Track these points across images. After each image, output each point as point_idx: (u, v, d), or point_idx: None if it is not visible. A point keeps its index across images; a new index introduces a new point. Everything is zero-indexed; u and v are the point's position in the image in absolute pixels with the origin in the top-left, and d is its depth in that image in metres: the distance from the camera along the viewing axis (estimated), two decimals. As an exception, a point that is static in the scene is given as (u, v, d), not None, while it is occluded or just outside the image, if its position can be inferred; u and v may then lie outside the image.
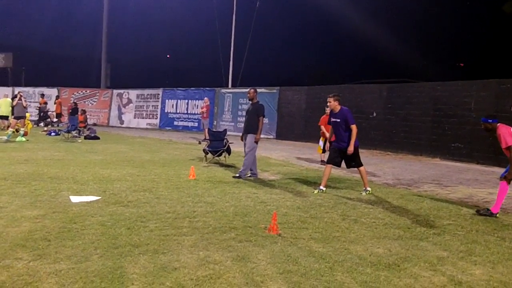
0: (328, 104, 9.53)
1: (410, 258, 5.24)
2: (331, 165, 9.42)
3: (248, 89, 11.30)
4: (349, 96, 20.96)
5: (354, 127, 9.13)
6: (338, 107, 9.36)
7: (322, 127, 13.92)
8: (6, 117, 20.69)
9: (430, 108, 17.73)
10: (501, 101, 15.10)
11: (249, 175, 10.86)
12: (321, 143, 14.20)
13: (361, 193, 9.25)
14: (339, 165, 9.58)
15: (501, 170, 13.72)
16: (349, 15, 35.38)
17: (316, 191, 9.13)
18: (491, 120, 7.89)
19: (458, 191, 10.18)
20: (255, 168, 11.04)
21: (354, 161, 9.39)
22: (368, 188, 9.39)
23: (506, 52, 30.57)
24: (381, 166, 14.15)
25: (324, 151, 13.88)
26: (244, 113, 26.10)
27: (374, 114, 19.70)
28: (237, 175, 10.71)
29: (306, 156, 16.27)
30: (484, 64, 31.04)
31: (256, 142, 10.77)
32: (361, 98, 20.59)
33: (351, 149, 9.06)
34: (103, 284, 4.16)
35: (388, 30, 34.09)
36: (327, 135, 12.32)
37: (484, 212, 7.76)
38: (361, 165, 9.42)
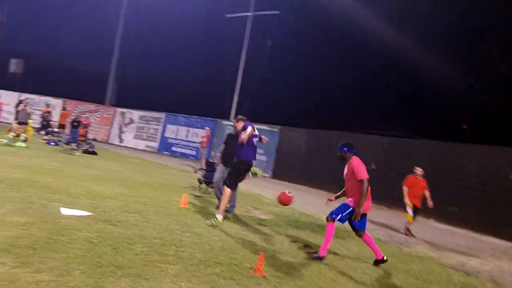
0: (234, 125, 9.61)
1: (393, 319, 5.18)
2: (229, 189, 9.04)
3: (238, 119, 10.23)
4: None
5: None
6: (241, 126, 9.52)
7: (405, 190, 12.53)
8: None
9: (428, 167, 17.74)
10: (502, 169, 15.10)
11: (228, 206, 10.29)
12: (409, 210, 12.37)
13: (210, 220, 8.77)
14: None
15: (497, 241, 13.71)
16: (353, 67, 35.85)
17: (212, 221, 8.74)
18: (346, 149, 7.93)
19: (450, 257, 10.09)
20: (234, 201, 10.57)
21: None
22: (218, 216, 8.79)
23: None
24: (374, 220, 14.08)
25: (414, 217, 12.43)
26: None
27: (373, 167, 19.72)
28: (228, 210, 10.33)
29: (297, 199, 16.20)
30: (488, 129, 31.22)
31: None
32: (362, 148, 20.63)
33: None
34: (82, 302, 4.10)
35: (392, 80, 34.53)
36: (407, 199, 12.25)
37: (313, 256, 7.46)
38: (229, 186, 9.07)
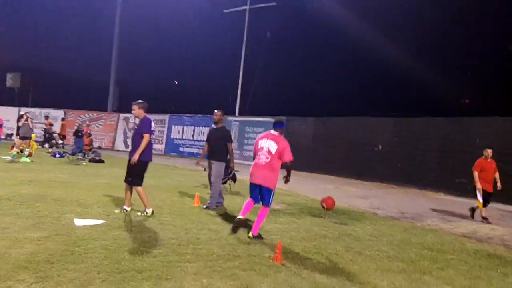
0: (133, 112, 8.75)
1: (414, 293, 5.20)
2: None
3: (216, 111, 10.30)
4: (356, 128, 21.07)
5: (146, 136, 8.51)
6: (143, 115, 8.74)
7: (476, 175, 11.68)
8: None
9: (436, 143, 17.77)
10: (507, 139, 15.10)
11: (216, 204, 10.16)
12: (479, 196, 11.43)
13: (138, 214, 8.59)
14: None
15: (505, 207, 13.72)
16: (358, 49, 35.73)
17: (118, 211, 8.74)
18: (281, 126, 7.95)
19: (462, 226, 10.13)
20: (222, 197, 10.38)
21: (131, 176, 8.67)
22: (148, 210, 8.66)
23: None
24: (385, 199, 14.11)
25: (485, 204, 11.48)
26: (250, 141, 26.49)
27: (380, 147, 19.72)
28: (205, 206, 9.97)
29: (308, 186, 16.23)
30: (490, 102, 31.16)
31: (232, 169, 10.12)
32: (368, 131, 20.65)
33: (135, 157, 8.42)
34: (106, 309, 4.13)
35: (396, 63, 34.37)
36: (479, 185, 11.38)
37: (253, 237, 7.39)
38: (139, 185, 8.65)
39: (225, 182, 13.13)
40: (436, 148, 17.69)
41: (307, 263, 6.09)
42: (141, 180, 8.71)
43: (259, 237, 7.46)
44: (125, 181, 8.79)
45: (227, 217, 9.11)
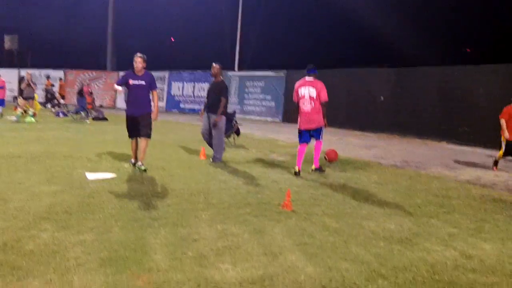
0: (135, 64, 8.55)
1: (422, 234, 5.38)
2: (132, 139, 8.88)
3: (214, 64, 10.21)
4: (357, 80, 21.03)
5: (156, 93, 8.81)
6: (144, 70, 8.66)
7: (503, 123, 10.66)
8: None
9: (437, 93, 17.78)
10: (509, 86, 15.10)
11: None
12: (503, 144, 10.76)
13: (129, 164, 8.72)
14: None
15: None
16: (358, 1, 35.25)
17: (128, 165, 8.80)
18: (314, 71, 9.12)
19: (466, 173, 10.28)
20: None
21: (149, 129, 8.74)
22: (140, 163, 8.60)
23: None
24: (388, 149, 14.25)
25: (506, 154, 10.82)
26: (250, 95, 26.51)
27: (382, 99, 19.75)
28: (212, 159, 10.07)
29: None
30: (492, 49, 31.01)
31: (215, 124, 9.97)
32: (370, 83, 20.62)
33: (155, 116, 8.73)
34: (127, 253, 4.31)
35: (395, 14, 34.00)
36: (507, 134, 10.52)
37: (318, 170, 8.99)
38: (149, 136, 8.77)
39: (228, 136, 13.27)
40: (438, 98, 17.72)
41: (315, 209, 6.27)
42: None
43: (320, 169, 8.99)
44: (140, 135, 8.75)
45: (235, 168, 9.29)
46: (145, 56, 8.61)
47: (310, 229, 5.35)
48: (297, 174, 8.68)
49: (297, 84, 9.09)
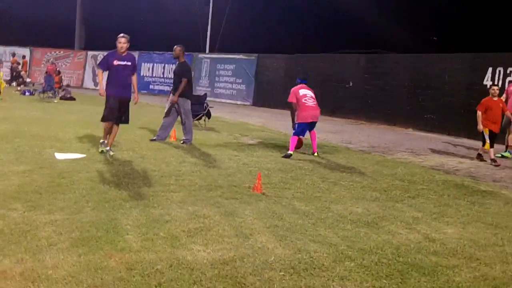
0: (119, 45, 8.42)
1: (387, 218, 5.55)
2: (111, 122, 8.40)
3: (176, 46, 10.25)
4: (328, 65, 21.20)
5: (136, 76, 8.81)
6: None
7: (479, 115, 10.63)
8: None
9: (406, 80, 18.07)
10: (475, 74, 15.45)
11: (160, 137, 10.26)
12: (486, 137, 10.54)
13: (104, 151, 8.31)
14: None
15: (471, 142, 14.23)
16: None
17: (103, 149, 8.33)
18: (299, 80, 10.50)
19: (431, 160, 10.57)
20: (165, 132, 10.40)
21: (127, 115, 8.62)
22: (108, 148, 8.34)
23: (481, 26, 31.11)
24: (356, 134, 14.50)
25: (492, 145, 10.58)
26: (221, 78, 26.45)
27: (351, 84, 19.98)
28: (182, 141, 10.15)
29: (281, 122, 16.48)
30: (458, 38, 31.52)
31: (172, 104, 10.06)
32: (339, 68, 20.83)
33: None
34: (99, 233, 4.34)
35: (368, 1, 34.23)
36: (480, 126, 10.53)
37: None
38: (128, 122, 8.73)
39: (199, 119, 13.29)
40: (406, 85, 18.01)
41: (285, 193, 6.39)
42: None
43: (318, 155, 9.74)
44: (122, 121, 8.55)
45: (205, 151, 9.33)
46: (128, 37, 8.53)
47: (280, 211, 5.45)
48: (289, 156, 9.27)
49: (294, 88, 10.09)
